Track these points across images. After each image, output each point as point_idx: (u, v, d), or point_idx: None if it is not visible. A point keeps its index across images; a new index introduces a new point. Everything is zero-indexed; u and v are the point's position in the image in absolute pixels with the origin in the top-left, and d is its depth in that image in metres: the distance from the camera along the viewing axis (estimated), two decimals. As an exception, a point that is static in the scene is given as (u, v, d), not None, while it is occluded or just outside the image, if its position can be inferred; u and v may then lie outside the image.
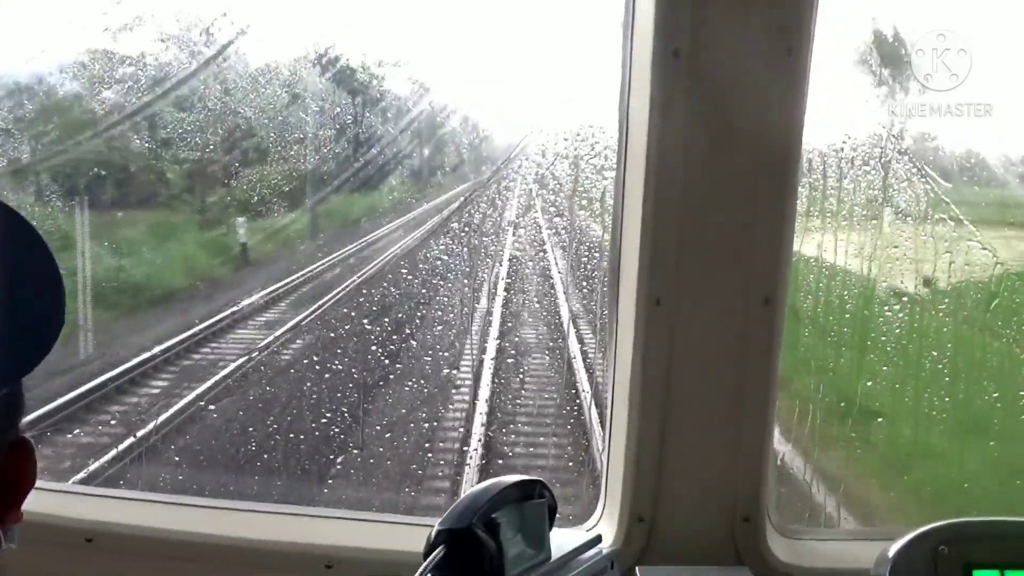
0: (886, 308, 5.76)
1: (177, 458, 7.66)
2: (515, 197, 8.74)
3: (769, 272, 3.09)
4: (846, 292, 5.70)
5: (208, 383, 8.68)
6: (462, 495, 2.21)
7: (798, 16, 2.91)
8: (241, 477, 7.23)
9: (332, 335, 8.83)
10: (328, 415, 7.71)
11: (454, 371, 8.76)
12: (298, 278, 10.48)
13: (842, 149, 5.00)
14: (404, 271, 9.54)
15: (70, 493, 3.62)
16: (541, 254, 9.76)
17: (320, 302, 9.83)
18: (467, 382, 8.76)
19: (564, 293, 9.49)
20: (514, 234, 9.26)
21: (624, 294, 3.22)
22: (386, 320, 8.69)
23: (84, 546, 3.30)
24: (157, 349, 9.22)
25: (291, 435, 7.73)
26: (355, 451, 7.79)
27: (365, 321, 8.76)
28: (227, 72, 7.77)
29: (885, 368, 5.90)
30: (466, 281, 8.64)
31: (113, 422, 8.11)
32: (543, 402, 8.54)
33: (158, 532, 3.31)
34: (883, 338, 5.85)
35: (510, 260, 9.68)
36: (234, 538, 3.05)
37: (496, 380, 8.80)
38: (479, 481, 2.50)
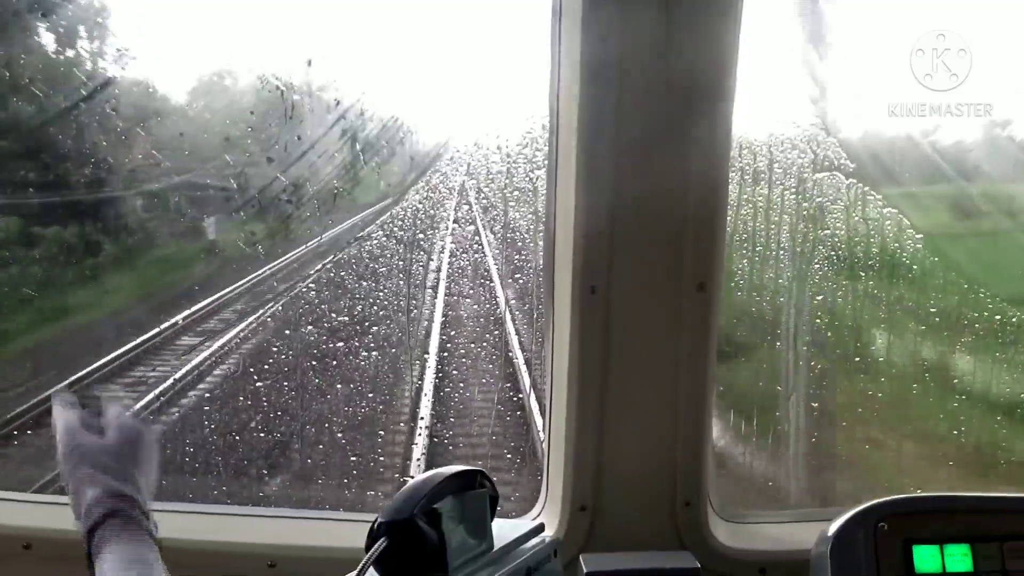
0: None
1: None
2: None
3: (703, 258, 3.11)
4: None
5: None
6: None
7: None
8: (179, 478, 7.14)
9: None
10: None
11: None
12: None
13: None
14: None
15: (7, 500, 3.57)
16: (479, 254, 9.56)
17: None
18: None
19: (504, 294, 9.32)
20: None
21: (559, 284, 3.23)
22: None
23: (23, 553, 3.26)
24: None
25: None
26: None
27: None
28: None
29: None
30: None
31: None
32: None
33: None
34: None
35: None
36: (176, 539, 3.02)
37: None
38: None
